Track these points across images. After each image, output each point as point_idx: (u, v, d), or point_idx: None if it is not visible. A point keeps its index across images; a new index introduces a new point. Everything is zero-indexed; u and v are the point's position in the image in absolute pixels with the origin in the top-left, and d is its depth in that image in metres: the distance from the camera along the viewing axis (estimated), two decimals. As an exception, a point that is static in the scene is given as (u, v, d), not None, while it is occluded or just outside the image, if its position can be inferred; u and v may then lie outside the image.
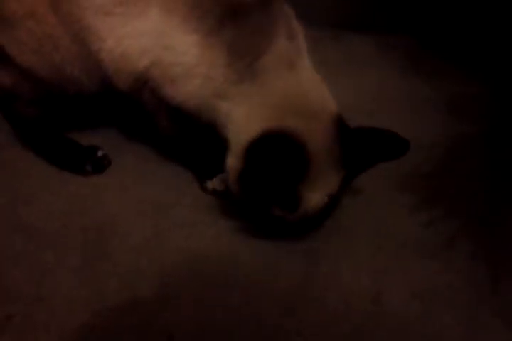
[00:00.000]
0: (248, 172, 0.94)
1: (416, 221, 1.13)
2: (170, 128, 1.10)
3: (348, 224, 1.11)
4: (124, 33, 0.97)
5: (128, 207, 1.12)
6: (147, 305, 0.95)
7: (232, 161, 0.97)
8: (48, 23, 1.03)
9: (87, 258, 1.02)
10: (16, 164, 1.20)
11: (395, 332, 0.94)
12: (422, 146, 1.23)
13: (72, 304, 0.95)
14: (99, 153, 1.20)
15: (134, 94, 1.06)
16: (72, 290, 0.97)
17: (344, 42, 1.66)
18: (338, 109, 0.99)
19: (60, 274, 0.99)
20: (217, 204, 1.14)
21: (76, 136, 1.25)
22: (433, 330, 0.94)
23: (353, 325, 0.94)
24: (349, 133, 0.96)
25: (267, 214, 0.98)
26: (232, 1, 0.94)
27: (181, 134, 1.11)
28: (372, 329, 0.94)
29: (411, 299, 0.98)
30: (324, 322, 0.94)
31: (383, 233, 1.10)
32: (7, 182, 1.16)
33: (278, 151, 0.91)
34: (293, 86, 0.96)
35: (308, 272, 1.02)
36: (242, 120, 0.96)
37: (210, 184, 1.15)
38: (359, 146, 0.95)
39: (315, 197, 0.95)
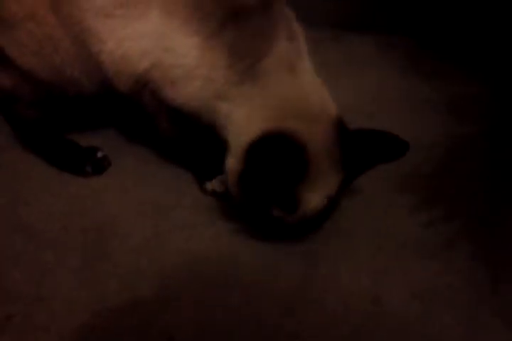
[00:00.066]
0: (248, 174, 0.94)
1: (416, 221, 1.13)
2: (170, 130, 1.10)
3: (348, 225, 1.11)
4: (124, 35, 0.98)
5: (128, 208, 1.13)
6: (147, 306, 0.96)
7: (232, 163, 0.97)
8: (48, 24, 1.03)
9: (87, 258, 1.03)
10: (16, 166, 1.21)
11: (395, 332, 0.94)
12: (422, 146, 1.23)
13: (72, 304, 0.95)
14: (99, 154, 1.20)
15: (134, 95, 1.06)
16: (72, 290, 0.97)
17: (344, 43, 1.66)
18: (338, 111, 0.99)
19: (60, 274, 1.00)
20: (217, 206, 1.14)
21: (76, 137, 1.25)
22: (433, 330, 0.94)
23: (353, 326, 0.94)
24: (349, 136, 0.96)
25: (266, 216, 0.98)
26: (234, 3, 0.94)
27: (181, 136, 1.11)
28: (372, 329, 0.94)
29: (411, 299, 0.98)
30: (323, 324, 0.94)
31: (383, 233, 1.10)
32: (7, 184, 1.17)
33: (278, 152, 0.91)
34: (293, 88, 0.96)
35: (308, 273, 1.02)
36: (242, 122, 0.96)
37: (210, 185, 1.15)
38: (358, 148, 0.95)
39: (314, 199, 0.95)
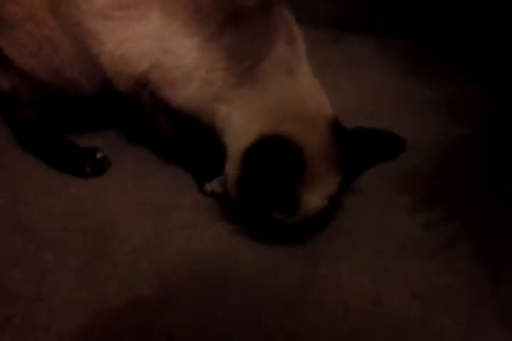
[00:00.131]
0: (246, 178, 0.94)
1: (416, 221, 1.13)
2: (169, 131, 1.10)
3: (348, 226, 1.11)
4: (124, 36, 0.98)
5: (128, 208, 1.13)
6: (147, 306, 0.96)
7: (231, 166, 0.97)
8: (48, 25, 1.03)
9: (87, 259, 1.03)
10: (16, 166, 1.21)
11: (395, 332, 0.94)
12: (422, 147, 1.24)
13: (72, 304, 0.95)
14: (99, 155, 1.20)
15: (134, 96, 1.06)
16: (72, 290, 0.97)
17: (344, 44, 1.66)
18: (334, 112, 0.99)
19: (60, 274, 1.00)
20: (217, 206, 1.14)
21: (76, 138, 1.25)
22: (433, 331, 0.94)
23: (353, 326, 0.94)
24: (345, 136, 0.96)
25: (266, 218, 0.98)
26: (234, 5, 0.94)
27: (181, 137, 1.11)
28: (372, 330, 0.94)
29: (411, 299, 0.98)
30: (323, 324, 0.94)
31: (383, 233, 1.10)
32: (7, 184, 1.17)
33: (274, 157, 0.90)
34: (291, 91, 0.96)
35: (308, 273, 1.02)
36: (240, 125, 0.96)
37: (209, 186, 1.15)
38: (356, 148, 0.95)
39: (314, 200, 0.95)
